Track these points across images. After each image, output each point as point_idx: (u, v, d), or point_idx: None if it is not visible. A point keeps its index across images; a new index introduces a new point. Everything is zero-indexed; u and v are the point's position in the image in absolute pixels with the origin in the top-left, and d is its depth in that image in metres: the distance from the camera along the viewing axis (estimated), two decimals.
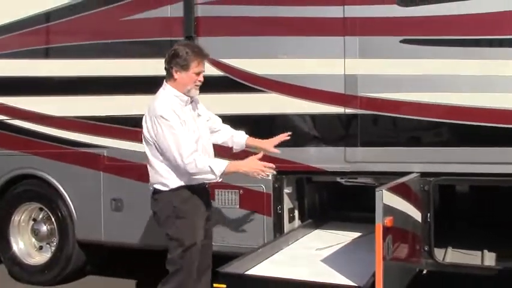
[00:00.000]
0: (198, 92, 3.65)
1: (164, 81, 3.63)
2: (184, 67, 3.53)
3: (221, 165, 3.45)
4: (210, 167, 3.42)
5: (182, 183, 3.52)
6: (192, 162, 3.40)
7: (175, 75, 3.55)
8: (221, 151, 3.90)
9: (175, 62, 3.53)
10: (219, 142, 3.92)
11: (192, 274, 3.53)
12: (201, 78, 3.60)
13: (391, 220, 3.27)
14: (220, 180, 3.53)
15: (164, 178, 3.54)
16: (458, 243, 4.30)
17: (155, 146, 3.53)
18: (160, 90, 3.63)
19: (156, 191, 3.61)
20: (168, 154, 3.46)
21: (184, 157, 3.40)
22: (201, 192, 3.62)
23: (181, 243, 3.48)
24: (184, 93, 3.58)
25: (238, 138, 3.92)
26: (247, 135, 3.94)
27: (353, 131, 4.12)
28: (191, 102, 3.67)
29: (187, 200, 3.54)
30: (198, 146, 3.54)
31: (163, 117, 3.43)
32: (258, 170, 3.48)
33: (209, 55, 3.70)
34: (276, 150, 3.87)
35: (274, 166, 3.55)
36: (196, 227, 3.56)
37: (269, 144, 3.88)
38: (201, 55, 3.58)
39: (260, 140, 3.91)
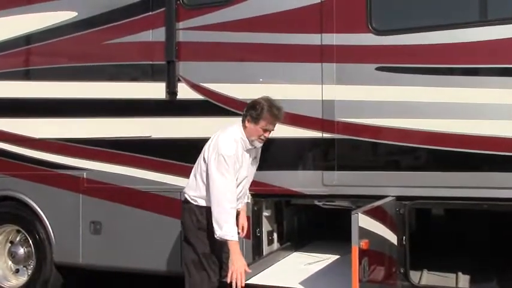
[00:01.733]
0: (261, 144, 3.86)
1: (241, 121, 3.83)
2: (255, 120, 3.75)
3: (229, 235, 3.59)
4: (224, 233, 3.58)
5: (208, 206, 3.73)
6: (221, 210, 3.59)
7: (246, 124, 3.80)
8: None
9: (250, 112, 3.77)
10: None
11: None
12: (266, 135, 3.80)
13: (367, 243, 3.33)
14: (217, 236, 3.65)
15: (197, 194, 3.80)
16: (433, 266, 4.37)
17: (206, 170, 3.74)
18: (234, 127, 3.84)
19: (186, 201, 3.89)
20: (212, 190, 3.65)
21: (218, 203, 3.60)
22: None
23: (196, 251, 3.76)
24: (249, 142, 3.80)
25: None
26: (245, 204, 4.11)
27: (330, 155, 4.20)
28: (254, 148, 3.86)
29: (207, 218, 3.74)
30: (240, 187, 3.82)
31: (224, 159, 3.64)
32: (236, 272, 3.56)
33: (282, 119, 3.84)
34: (240, 229, 4.02)
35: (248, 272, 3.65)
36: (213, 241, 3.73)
37: (240, 224, 4.05)
38: (273, 116, 3.76)
39: (242, 217, 4.06)
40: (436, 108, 3.94)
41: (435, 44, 3.94)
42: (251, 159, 3.93)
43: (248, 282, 3.69)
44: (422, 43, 3.96)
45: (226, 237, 3.59)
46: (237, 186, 3.79)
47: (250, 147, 3.83)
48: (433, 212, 5.17)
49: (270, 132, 3.86)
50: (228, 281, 3.58)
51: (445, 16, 3.95)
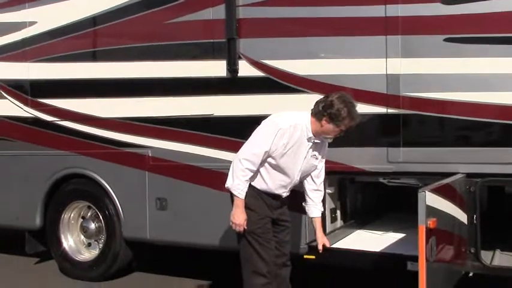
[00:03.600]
0: (331, 140, 3.78)
1: (310, 111, 3.70)
2: (335, 121, 3.61)
3: (238, 192, 3.64)
4: (232, 186, 3.64)
5: (254, 184, 3.75)
6: (242, 170, 3.60)
7: (323, 123, 3.64)
8: None
9: (329, 112, 3.60)
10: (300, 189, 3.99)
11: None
12: (338, 132, 3.70)
13: (435, 222, 3.23)
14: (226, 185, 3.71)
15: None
16: (507, 246, 4.19)
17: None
18: (302, 113, 3.72)
19: None
20: (246, 144, 3.68)
21: (242, 155, 3.62)
22: (268, 197, 3.79)
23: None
24: (318, 135, 3.70)
25: (311, 211, 3.99)
26: (319, 216, 3.99)
27: (395, 131, 4.08)
28: (316, 142, 3.77)
29: (255, 196, 3.75)
30: (288, 177, 3.74)
31: (279, 129, 3.59)
32: (235, 222, 3.68)
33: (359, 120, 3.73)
34: (320, 247, 3.98)
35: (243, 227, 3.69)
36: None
37: (320, 241, 3.99)
38: (354, 120, 3.64)
39: (319, 233, 3.99)
40: (507, 80, 3.72)
41: (507, 12, 3.70)
42: (311, 154, 3.77)
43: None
44: (493, 11, 3.74)
45: (234, 191, 3.65)
46: (284, 174, 3.72)
47: (313, 139, 3.71)
48: (506, 189, 4.94)
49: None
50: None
51: None
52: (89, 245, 5.76)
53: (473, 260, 3.89)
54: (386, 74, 4.07)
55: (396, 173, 4.13)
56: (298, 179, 3.84)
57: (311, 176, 3.92)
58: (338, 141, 4.19)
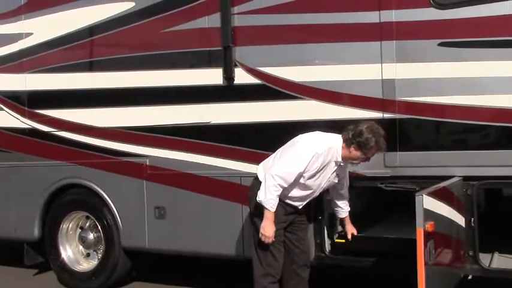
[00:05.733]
0: (356, 166, 3.97)
1: (342, 136, 3.87)
2: (362, 150, 3.80)
3: (269, 205, 3.79)
4: (265, 200, 3.78)
5: None
6: (274, 186, 3.74)
7: (351, 149, 3.83)
8: None
9: (358, 141, 3.77)
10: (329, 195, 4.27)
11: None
12: (362, 160, 3.87)
13: (432, 225, 3.24)
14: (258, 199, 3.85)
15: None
16: (505, 249, 4.20)
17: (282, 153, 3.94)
18: (336, 136, 3.90)
19: (256, 178, 4.01)
20: (281, 162, 3.82)
21: (276, 172, 3.76)
22: (286, 205, 3.97)
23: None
24: (345, 160, 3.91)
25: (340, 213, 4.28)
26: (347, 214, 4.28)
27: (392, 135, 4.08)
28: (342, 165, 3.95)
29: None
30: (310, 190, 3.94)
31: (315, 153, 3.76)
32: (265, 234, 3.84)
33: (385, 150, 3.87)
34: (349, 236, 4.29)
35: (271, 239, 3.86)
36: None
37: (349, 231, 4.31)
38: (380, 150, 3.81)
39: (348, 225, 4.30)
40: (503, 84, 3.75)
41: (500, 16, 3.73)
42: (335, 174, 3.97)
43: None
44: (487, 15, 3.77)
45: (266, 205, 3.77)
46: (306, 190, 3.92)
47: (339, 160, 3.88)
48: (503, 191, 4.96)
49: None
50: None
51: None
52: (88, 255, 5.74)
53: (472, 263, 3.90)
54: (382, 79, 4.09)
55: (393, 177, 4.14)
56: (318, 194, 4.04)
57: (336, 188, 4.14)
58: None
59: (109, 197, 5.35)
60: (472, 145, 3.93)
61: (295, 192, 3.93)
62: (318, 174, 3.86)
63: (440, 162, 3.96)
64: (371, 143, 3.74)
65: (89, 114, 5.44)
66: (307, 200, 4.05)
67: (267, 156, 4.11)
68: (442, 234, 3.47)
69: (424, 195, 3.22)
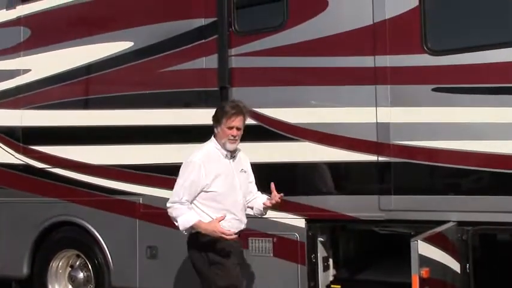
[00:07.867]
0: (235, 146, 3.87)
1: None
2: (218, 122, 3.84)
3: (187, 221, 3.74)
4: (177, 220, 3.77)
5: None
6: (171, 207, 3.79)
7: (215, 130, 3.90)
8: None
9: (213, 119, 3.90)
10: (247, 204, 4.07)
11: None
12: (233, 132, 3.80)
13: (428, 271, 3.21)
14: (185, 232, 3.82)
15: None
16: None
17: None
18: (208, 141, 3.95)
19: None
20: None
21: (170, 200, 3.80)
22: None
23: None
24: (222, 147, 3.83)
25: (258, 202, 4.03)
26: (262, 195, 4.05)
27: (386, 179, 4.10)
28: (233, 156, 3.91)
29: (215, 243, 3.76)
30: (229, 198, 3.80)
31: (191, 163, 3.79)
32: (216, 232, 3.67)
33: (240, 112, 3.84)
34: (278, 199, 3.89)
35: (232, 234, 3.71)
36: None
37: (276, 196, 3.90)
38: (230, 112, 3.81)
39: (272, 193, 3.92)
40: (497, 129, 3.78)
41: (494, 63, 3.80)
42: (239, 169, 3.92)
43: None
44: (480, 62, 3.84)
45: (187, 225, 3.74)
46: (227, 196, 3.79)
47: (225, 152, 3.86)
48: (499, 237, 4.93)
49: (238, 130, 3.83)
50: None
51: (503, 33, 3.81)
52: None
53: None
54: (377, 123, 4.13)
55: (388, 220, 4.12)
56: (242, 198, 3.91)
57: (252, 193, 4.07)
58: (329, 189, 4.22)
59: (101, 236, 5.30)
60: (467, 190, 3.93)
61: (224, 209, 3.78)
62: (220, 177, 3.78)
63: (435, 207, 3.95)
64: (221, 110, 3.82)
65: (83, 152, 5.44)
66: (242, 214, 3.91)
67: None
68: (437, 280, 3.43)
69: (419, 240, 3.20)
